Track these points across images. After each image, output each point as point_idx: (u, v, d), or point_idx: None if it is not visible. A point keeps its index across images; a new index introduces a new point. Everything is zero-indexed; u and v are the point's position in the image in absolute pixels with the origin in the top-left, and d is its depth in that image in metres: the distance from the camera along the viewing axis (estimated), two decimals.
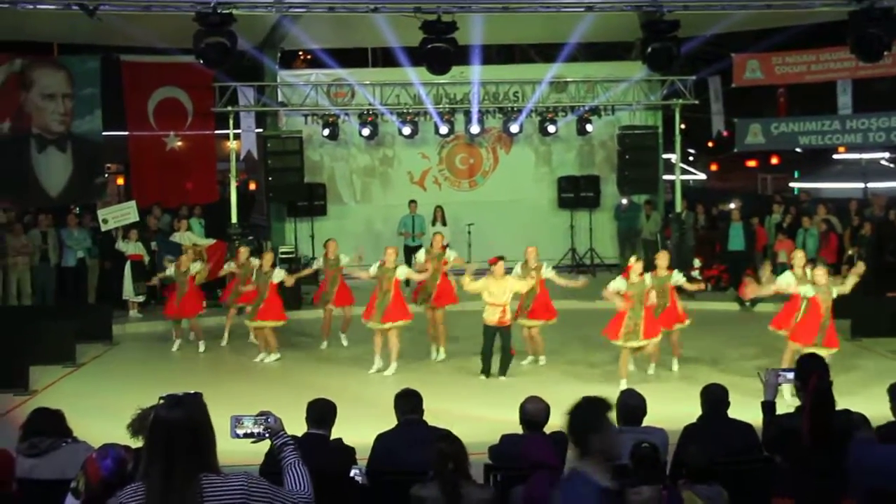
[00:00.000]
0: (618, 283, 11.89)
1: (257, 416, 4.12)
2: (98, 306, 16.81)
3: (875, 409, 8.51)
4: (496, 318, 12.18)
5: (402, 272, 13.18)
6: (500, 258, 12.47)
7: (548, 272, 13.12)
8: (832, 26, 17.67)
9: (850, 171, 29.00)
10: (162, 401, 3.63)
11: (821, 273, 11.17)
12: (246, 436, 4.12)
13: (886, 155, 29.85)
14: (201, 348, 14.70)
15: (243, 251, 15.02)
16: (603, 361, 13.04)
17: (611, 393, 4.79)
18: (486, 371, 12.44)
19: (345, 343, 14.84)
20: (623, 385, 11.58)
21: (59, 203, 19.15)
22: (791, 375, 5.43)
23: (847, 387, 11.20)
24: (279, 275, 13.83)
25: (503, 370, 12.40)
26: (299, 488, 3.83)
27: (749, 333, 14.61)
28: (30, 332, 13.35)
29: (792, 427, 5.12)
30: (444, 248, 14.43)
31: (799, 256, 11.86)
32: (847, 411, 5.29)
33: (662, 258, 12.29)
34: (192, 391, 3.72)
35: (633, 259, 12.29)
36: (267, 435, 4.09)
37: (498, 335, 12.32)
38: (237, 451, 4.43)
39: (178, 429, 3.48)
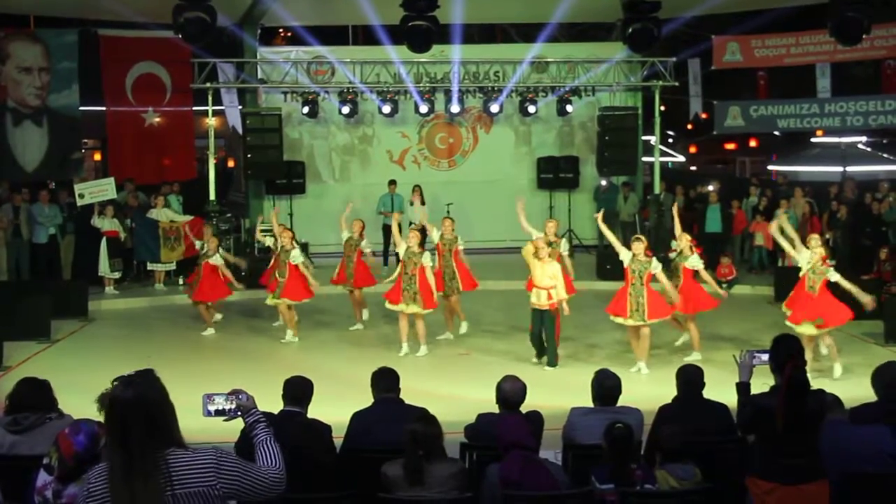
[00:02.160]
0: (624, 255, 11.80)
1: (229, 393, 4.11)
2: (74, 282, 16.70)
3: (850, 391, 8.60)
4: (540, 300, 11.76)
5: (427, 260, 12.85)
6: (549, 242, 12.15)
7: (565, 248, 13.07)
8: (812, 9, 17.76)
9: (829, 155, 29.15)
10: (115, 383, 3.62)
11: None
12: (218, 413, 4.11)
13: (864, 139, 30.03)
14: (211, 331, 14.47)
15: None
16: (593, 342, 13.08)
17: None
18: (538, 355, 12.09)
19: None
20: (642, 368, 11.63)
21: (34, 178, 18.96)
22: (766, 357, 5.47)
23: (825, 370, 11.36)
24: (296, 256, 13.52)
25: (550, 360, 11.91)
26: (271, 464, 3.82)
27: (730, 314, 14.69)
28: (4, 307, 13.25)
29: (765, 407, 5.15)
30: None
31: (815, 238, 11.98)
32: (821, 391, 5.33)
33: (637, 244, 11.86)
34: (144, 369, 3.71)
35: (633, 238, 12.13)
36: (239, 413, 4.07)
37: (542, 320, 11.87)
38: (212, 429, 4.43)
39: (132, 408, 3.48)
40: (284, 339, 13.69)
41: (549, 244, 12.22)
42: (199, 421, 4.13)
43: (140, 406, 3.49)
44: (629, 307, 11.62)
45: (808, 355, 11.46)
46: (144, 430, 3.45)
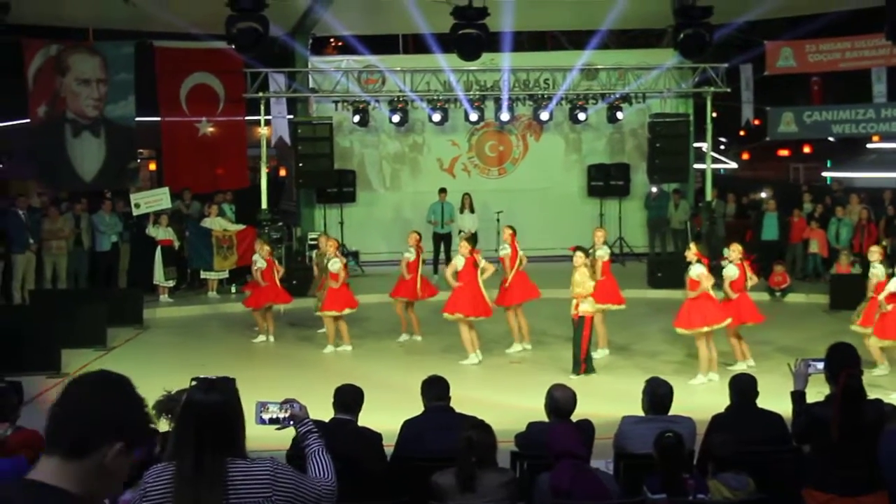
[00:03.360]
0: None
1: (282, 402, 4.14)
2: (129, 291, 16.97)
3: None
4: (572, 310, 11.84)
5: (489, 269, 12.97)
6: (578, 248, 12.04)
7: (605, 254, 13.08)
8: (867, 13, 17.48)
9: (885, 161, 28.65)
10: (195, 383, 3.63)
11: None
12: (271, 421, 4.14)
13: None
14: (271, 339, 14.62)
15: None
16: (639, 352, 12.99)
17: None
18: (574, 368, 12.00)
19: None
20: (700, 379, 11.49)
21: (92, 188, 19.32)
22: (821, 366, 5.39)
23: (880, 380, 11.16)
24: (334, 264, 13.57)
25: (573, 367, 11.83)
26: (323, 476, 3.84)
27: (784, 323, 14.52)
28: (62, 315, 13.48)
29: (821, 417, 5.08)
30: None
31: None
32: (878, 401, 5.24)
33: (691, 250, 11.81)
34: (225, 376, 3.73)
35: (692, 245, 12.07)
36: (291, 422, 4.11)
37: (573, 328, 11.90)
38: (264, 436, 4.47)
39: (212, 413, 3.49)
40: (325, 349, 13.70)
41: (587, 252, 12.17)
42: (251, 428, 4.18)
43: (221, 411, 3.50)
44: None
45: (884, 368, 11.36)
46: (220, 436, 3.46)
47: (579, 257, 11.80)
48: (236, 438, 3.53)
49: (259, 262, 14.37)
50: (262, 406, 4.14)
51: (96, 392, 2.52)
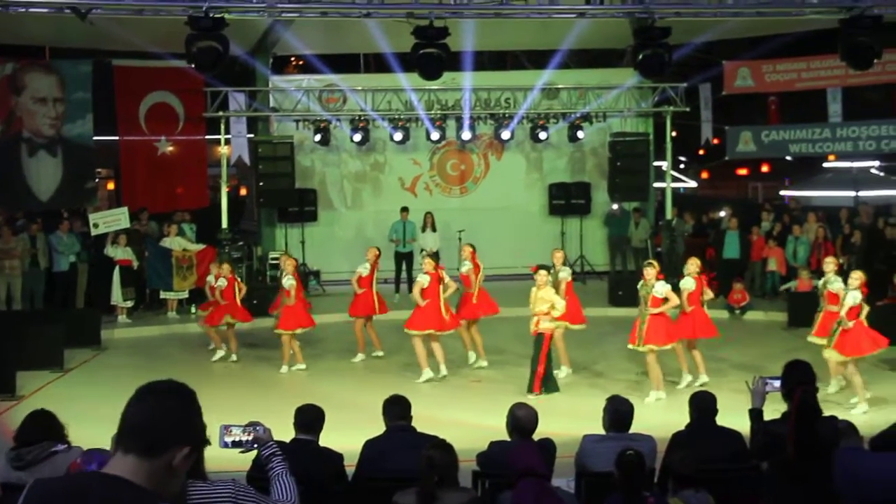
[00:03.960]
0: (639, 285, 11.89)
1: (246, 425, 4.11)
2: (87, 311, 16.78)
3: (864, 418, 8.53)
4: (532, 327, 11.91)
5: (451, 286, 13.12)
6: (541, 266, 12.19)
7: (566, 275, 13.14)
8: (823, 34, 17.73)
9: (841, 180, 29.08)
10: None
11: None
12: (235, 444, 4.11)
13: (877, 163, 29.95)
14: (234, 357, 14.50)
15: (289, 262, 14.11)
16: (599, 371, 13.02)
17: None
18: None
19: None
20: (651, 396, 11.54)
21: (49, 207, 19.07)
22: (778, 384, 5.44)
23: (840, 397, 11.29)
24: (287, 281, 13.53)
25: (528, 386, 11.86)
26: (286, 498, 3.82)
27: (743, 340, 14.66)
28: (18, 336, 13.27)
29: (778, 434, 5.12)
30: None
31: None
32: (833, 418, 5.29)
33: (649, 269, 11.85)
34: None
35: (645, 264, 12.16)
36: (255, 445, 4.07)
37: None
38: (224, 457, 4.42)
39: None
40: (281, 370, 13.59)
41: (548, 270, 12.30)
42: (213, 450, 4.12)
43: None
44: (636, 333, 11.68)
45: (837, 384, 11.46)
46: None
47: (542, 276, 11.88)
48: (195, 461, 3.49)
49: (221, 281, 14.26)
50: (226, 429, 4.11)
51: (171, 399, 2.80)
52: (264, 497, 3.69)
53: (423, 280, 12.84)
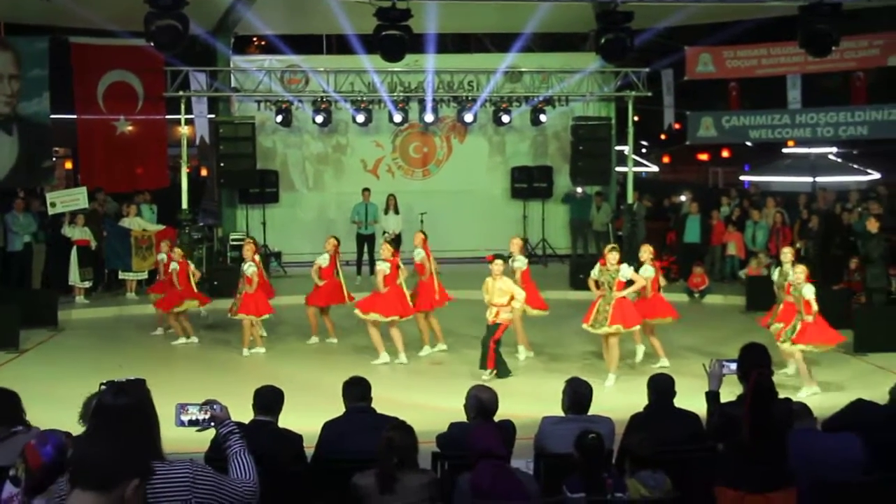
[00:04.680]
0: (594, 271, 11.92)
1: (203, 403, 4.09)
2: (43, 291, 16.57)
3: (820, 400, 8.65)
4: (490, 316, 11.95)
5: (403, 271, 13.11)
6: (497, 255, 12.21)
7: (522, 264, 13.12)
8: (783, 21, 17.89)
9: (799, 166, 29.38)
10: (104, 387, 3.58)
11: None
12: (191, 423, 4.09)
13: (834, 150, 30.30)
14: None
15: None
16: (568, 353, 13.11)
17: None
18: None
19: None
20: (609, 380, 11.59)
21: (4, 187, 18.74)
22: (734, 366, 5.50)
23: (790, 379, 11.44)
24: (249, 268, 13.39)
25: (481, 361, 11.92)
26: (244, 477, 3.81)
27: (701, 323, 14.80)
28: None
29: (734, 416, 5.18)
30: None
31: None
32: (787, 400, 5.37)
33: (613, 254, 11.89)
34: (136, 378, 3.68)
35: (608, 248, 12.25)
36: (212, 423, 4.05)
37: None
38: (183, 438, 4.40)
39: (120, 417, 3.44)
40: (243, 353, 13.49)
41: (505, 259, 12.32)
42: (171, 430, 4.10)
43: (129, 415, 3.45)
44: (593, 315, 11.72)
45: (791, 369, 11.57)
46: (141, 437, 3.41)
47: (498, 266, 11.91)
48: (150, 441, 3.48)
49: (173, 265, 14.09)
50: (182, 408, 4.09)
51: (118, 433, 3.19)
52: (222, 476, 3.69)
53: (384, 267, 12.80)
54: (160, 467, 3.45)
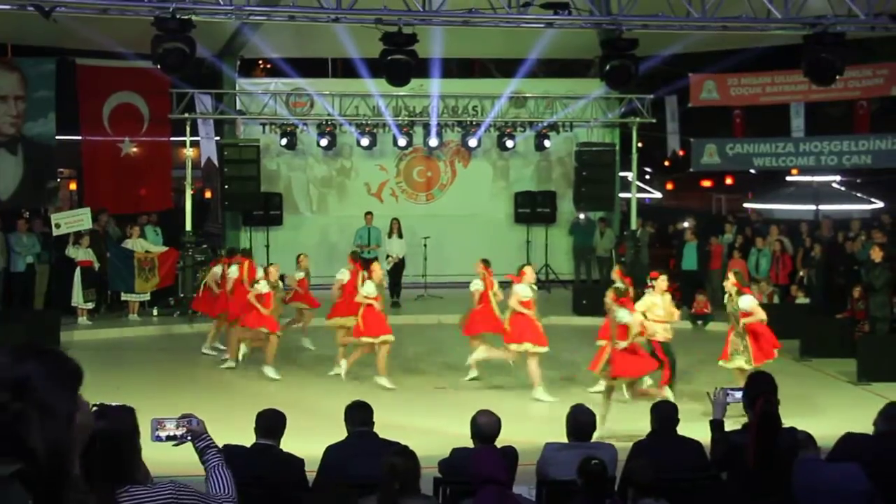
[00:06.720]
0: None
1: (179, 418, 4.06)
2: (46, 312, 16.55)
3: (822, 430, 8.55)
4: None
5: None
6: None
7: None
8: (787, 49, 17.95)
9: (803, 194, 29.39)
10: (95, 408, 3.57)
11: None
12: (168, 438, 4.05)
13: (838, 178, 30.30)
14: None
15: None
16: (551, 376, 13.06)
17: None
18: None
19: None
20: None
21: (8, 207, 18.77)
22: (739, 394, 5.48)
23: (798, 408, 11.37)
24: (257, 287, 13.43)
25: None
26: (223, 492, 3.80)
27: (704, 351, 14.73)
28: None
29: (738, 444, 5.16)
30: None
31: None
32: (792, 429, 5.34)
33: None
34: (125, 405, 3.67)
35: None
36: (189, 438, 4.03)
37: None
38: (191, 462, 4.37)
39: (98, 440, 3.43)
40: (223, 365, 13.72)
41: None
42: (145, 446, 4.05)
43: (104, 439, 3.44)
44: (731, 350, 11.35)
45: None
46: (106, 463, 3.40)
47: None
48: (128, 466, 3.47)
49: (262, 285, 13.61)
50: (158, 423, 4.05)
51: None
52: (205, 495, 3.69)
53: (342, 276, 13.26)
54: (143, 491, 3.44)
